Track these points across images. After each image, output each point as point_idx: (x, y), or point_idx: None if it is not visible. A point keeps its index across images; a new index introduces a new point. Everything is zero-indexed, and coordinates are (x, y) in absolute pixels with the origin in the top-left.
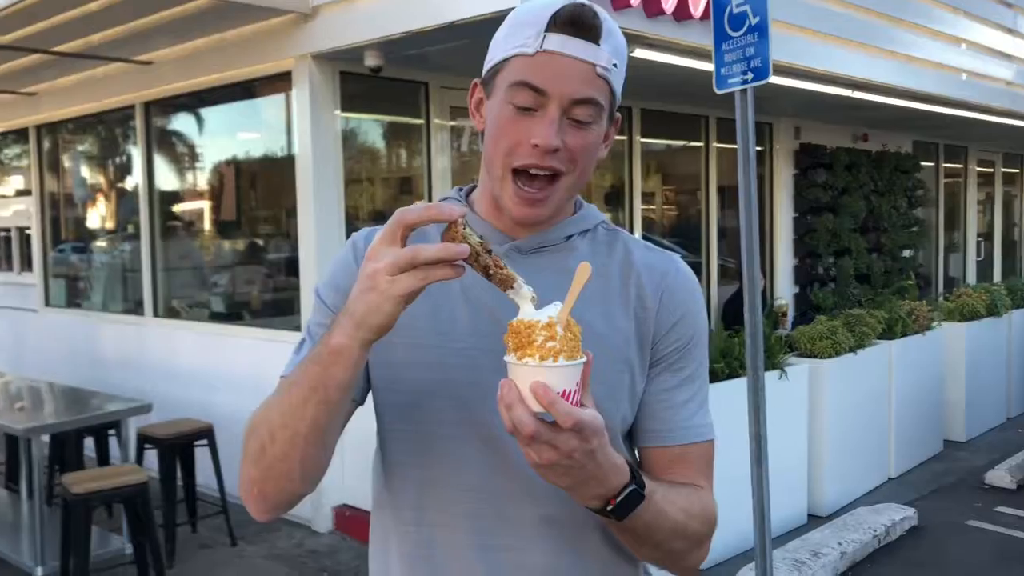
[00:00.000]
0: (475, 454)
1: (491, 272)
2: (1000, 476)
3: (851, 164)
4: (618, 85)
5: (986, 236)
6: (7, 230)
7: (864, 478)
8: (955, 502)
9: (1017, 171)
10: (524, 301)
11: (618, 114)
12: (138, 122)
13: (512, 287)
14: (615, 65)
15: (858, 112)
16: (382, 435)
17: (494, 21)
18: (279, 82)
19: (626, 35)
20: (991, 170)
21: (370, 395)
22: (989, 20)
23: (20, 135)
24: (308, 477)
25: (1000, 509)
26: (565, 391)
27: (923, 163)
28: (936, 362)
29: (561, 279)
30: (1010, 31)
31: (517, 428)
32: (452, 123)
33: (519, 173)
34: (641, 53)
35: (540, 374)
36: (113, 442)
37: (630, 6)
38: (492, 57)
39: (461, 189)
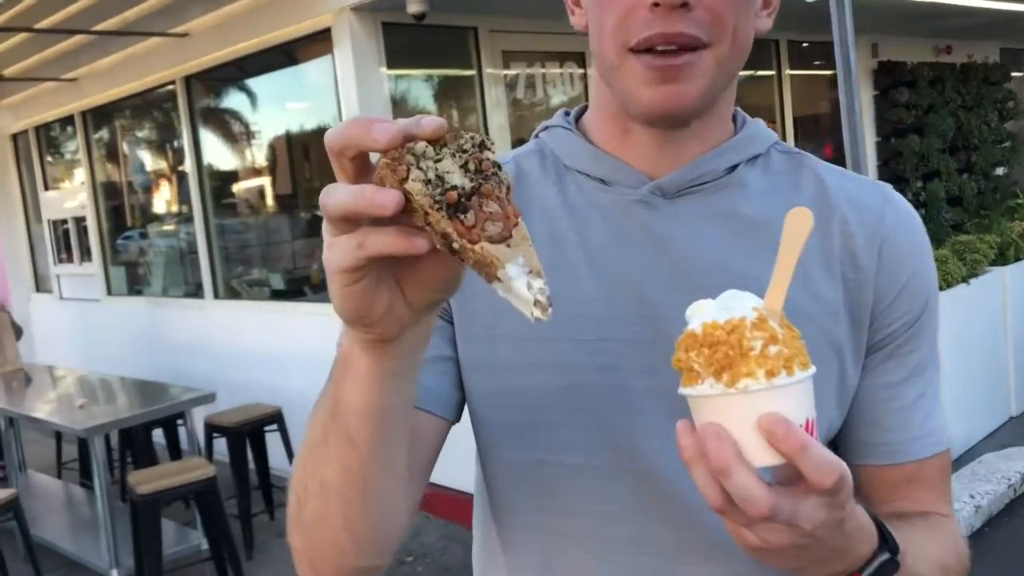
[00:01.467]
0: (624, 494)
1: (456, 247)
2: None
3: (935, 79)
4: None
5: None
6: (65, 221)
7: (985, 419)
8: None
9: None
10: (523, 305)
11: None
12: (180, 99)
13: (497, 278)
14: None
15: (940, 21)
16: (485, 464)
17: None
18: (320, 42)
19: None
20: None
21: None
22: None
23: (67, 123)
24: (364, 547)
25: None
26: (808, 421)
27: (1012, 73)
28: None
29: (731, 234)
30: None
31: (741, 505)
32: (506, 71)
33: (643, 54)
34: None
35: (771, 401)
36: (183, 431)
37: None
38: None
39: (568, 113)
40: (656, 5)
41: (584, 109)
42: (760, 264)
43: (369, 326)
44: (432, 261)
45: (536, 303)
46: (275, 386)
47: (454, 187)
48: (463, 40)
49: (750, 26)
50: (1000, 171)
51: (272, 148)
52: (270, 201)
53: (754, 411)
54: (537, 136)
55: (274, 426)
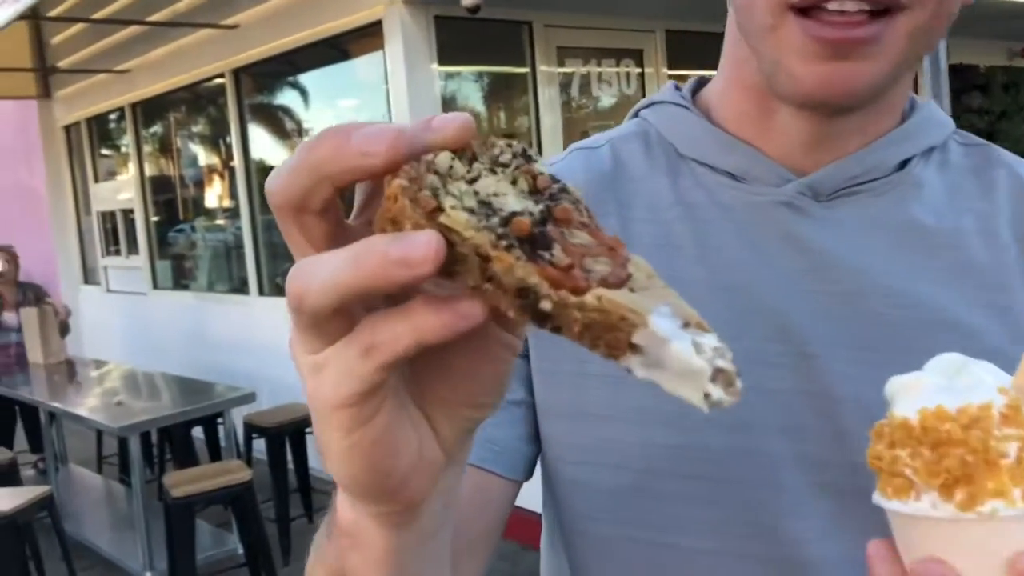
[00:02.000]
0: None
1: (547, 307)
2: None
3: (1009, 84)
4: None
5: None
6: (113, 214)
7: None
8: None
9: None
10: (686, 383)
11: None
12: (229, 92)
13: (631, 346)
14: None
15: (1015, 22)
16: (567, 540)
17: None
18: (371, 36)
19: None
20: None
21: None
22: None
23: (117, 116)
24: None
25: None
26: None
27: None
28: None
29: (906, 249)
30: None
31: None
32: (561, 69)
33: (810, 14)
34: None
35: None
36: (222, 429)
37: None
38: None
39: (678, 88)
40: None
41: (701, 82)
42: (949, 290)
43: (388, 493)
44: (470, 358)
45: (717, 375)
46: None
47: (516, 213)
48: (517, 35)
49: None
50: None
51: None
52: None
53: (1002, 547)
54: (637, 115)
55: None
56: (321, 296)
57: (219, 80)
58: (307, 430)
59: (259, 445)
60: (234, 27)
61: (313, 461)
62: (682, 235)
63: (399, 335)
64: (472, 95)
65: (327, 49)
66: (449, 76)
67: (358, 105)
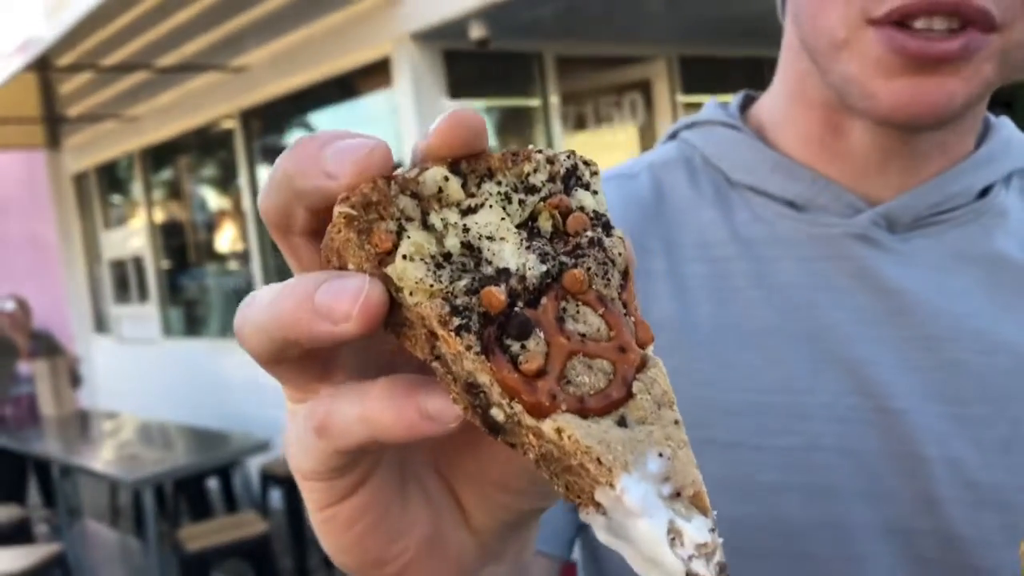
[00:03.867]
0: None
1: (499, 417)
2: None
3: (1008, 99)
4: None
5: None
6: (123, 262)
7: None
8: None
9: None
10: (650, 569)
11: None
12: (238, 135)
13: (594, 502)
14: None
15: None
16: None
17: None
18: (379, 73)
19: None
20: None
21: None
22: None
23: (127, 163)
24: None
25: None
26: None
27: None
28: None
29: (994, 287)
30: None
31: None
32: (570, 103)
33: (886, 29)
34: None
35: None
36: (238, 478)
37: None
38: None
39: (722, 106)
40: None
41: (749, 98)
42: None
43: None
44: None
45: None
46: None
47: (504, 272)
48: (527, 67)
49: None
50: None
51: None
52: None
53: None
54: (675, 136)
55: None
56: (251, 339)
57: (228, 123)
58: None
59: (275, 495)
60: (242, 69)
61: None
62: (740, 276)
63: (350, 425)
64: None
65: (335, 88)
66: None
67: None
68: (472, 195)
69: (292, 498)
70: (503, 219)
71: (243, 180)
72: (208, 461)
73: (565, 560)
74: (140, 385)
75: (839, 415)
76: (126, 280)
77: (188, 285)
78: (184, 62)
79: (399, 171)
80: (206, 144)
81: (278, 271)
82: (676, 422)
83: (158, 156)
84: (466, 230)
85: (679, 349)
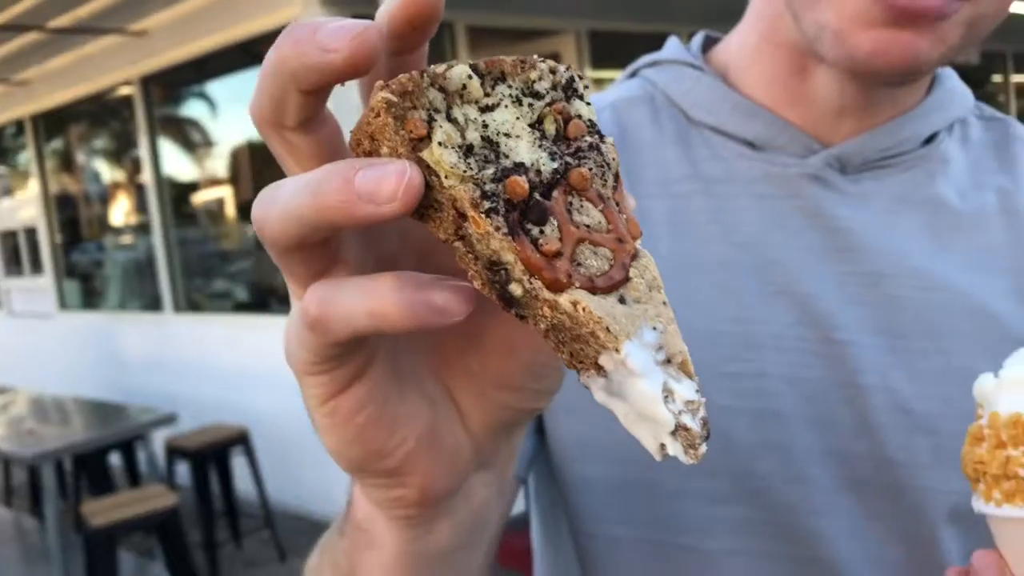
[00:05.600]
0: None
1: (517, 292)
2: None
3: None
4: None
5: None
6: (15, 233)
7: None
8: None
9: None
10: (643, 425)
11: None
12: (138, 103)
13: (597, 366)
14: None
15: None
16: (577, 542)
17: None
18: None
19: None
20: None
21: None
22: None
23: (17, 129)
24: None
25: None
26: None
27: (993, 76)
28: None
29: (935, 230)
30: None
31: None
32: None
33: None
34: None
35: None
36: (142, 454)
37: None
38: None
39: (687, 46)
40: None
41: (711, 40)
42: (977, 274)
43: (391, 474)
44: (509, 329)
45: (679, 430)
46: (241, 404)
47: (521, 167)
48: (438, 36)
49: None
50: None
51: (235, 155)
52: (233, 210)
53: None
54: (637, 74)
55: (240, 448)
56: (279, 227)
57: (126, 89)
58: (232, 450)
59: (182, 469)
60: (142, 33)
61: (239, 483)
62: (698, 211)
63: (351, 314)
64: None
65: (241, 53)
66: None
67: None
68: (488, 95)
69: (199, 472)
70: (517, 119)
71: (143, 149)
72: (109, 436)
73: (522, 481)
74: (35, 360)
75: (787, 345)
76: (18, 252)
77: (84, 258)
78: (79, 24)
79: (430, 68)
80: (103, 111)
81: (180, 242)
82: (664, 303)
83: (51, 123)
84: (485, 126)
85: (691, 299)
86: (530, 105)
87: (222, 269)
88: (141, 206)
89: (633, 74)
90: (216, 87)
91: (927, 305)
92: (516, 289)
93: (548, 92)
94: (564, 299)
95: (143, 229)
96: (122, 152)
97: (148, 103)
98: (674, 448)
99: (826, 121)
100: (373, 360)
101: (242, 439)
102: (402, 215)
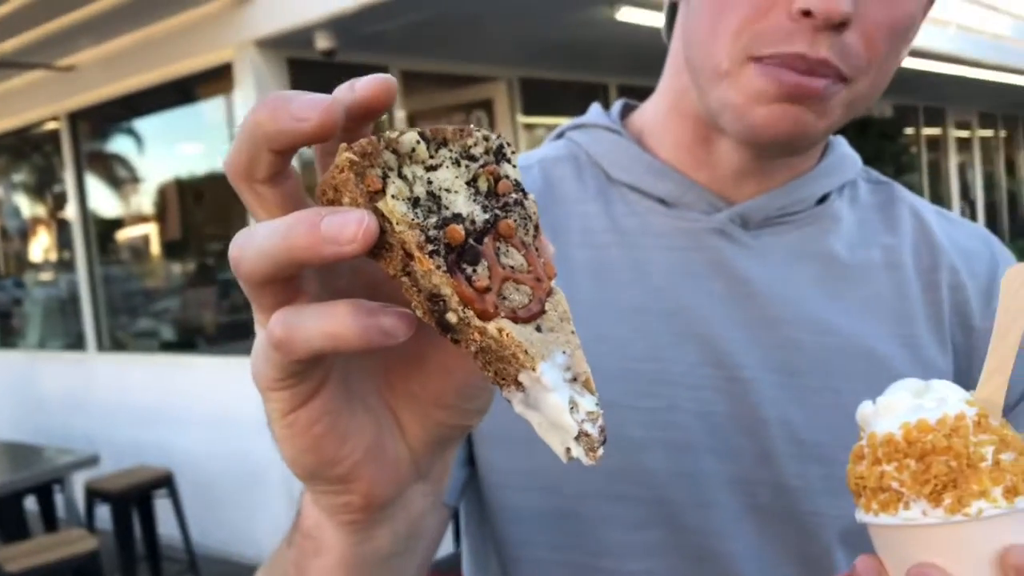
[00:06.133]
0: None
1: (452, 319)
2: None
3: (837, 132)
4: None
5: (968, 201)
6: None
7: None
8: None
9: (992, 133)
10: (553, 433)
11: None
12: (64, 138)
13: (517, 383)
14: None
15: None
16: (503, 567)
17: None
18: (219, 79)
19: None
20: (968, 133)
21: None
22: None
23: None
24: None
25: None
26: None
27: (905, 129)
28: None
29: (826, 281)
30: None
31: None
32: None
33: (768, 66)
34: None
35: (1011, 529)
36: (60, 498)
37: None
38: None
39: (607, 112)
40: (806, 14)
41: (629, 107)
42: (862, 321)
43: (340, 481)
44: (445, 354)
45: (581, 436)
46: (165, 446)
47: (459, 217)
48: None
49: (896, 64)
50: None
51: (163, 192)
52: (160, 248)
53: (990, 545)
54: (562, 136)
55: (164, 490)
56: (254, 264)
57: (52, 124)
58: (155, 493)
59: (103, 513)
60: (70, 68)
61: (162, 527)
62: (617, 260)
63: (311, 335)
64: None
65: (172, 92)
66: None
67: (204, 149)
68: (432, 157)
69: (121, 515)
70: (456, 177)
71: (69, 185)
72: (26, 479)
73: (453, 508)
74: None
75: (695, 382)
76: None
77: (1, 295)
78: (4, 58)
79: (384, 133)
80: (24, 146)
81: (104, 280)
82: (572, 332)
83: None
84: (430, 183)
85: (603, 337)
86: (467, 166)
87: (147, 308)
88: (64, 242)
89: (560, 135)
90: (145, 124)
91: (820, 347)
92: (452, 317)
93: (482, 156)
94: (491, 326)
95: (66, 266)
96: (45, 187)
97: (75, 138)
98: (577, 451)
99: (729, 183)
100: (328, 380)
101: (166, 481)
102: (360, 255)
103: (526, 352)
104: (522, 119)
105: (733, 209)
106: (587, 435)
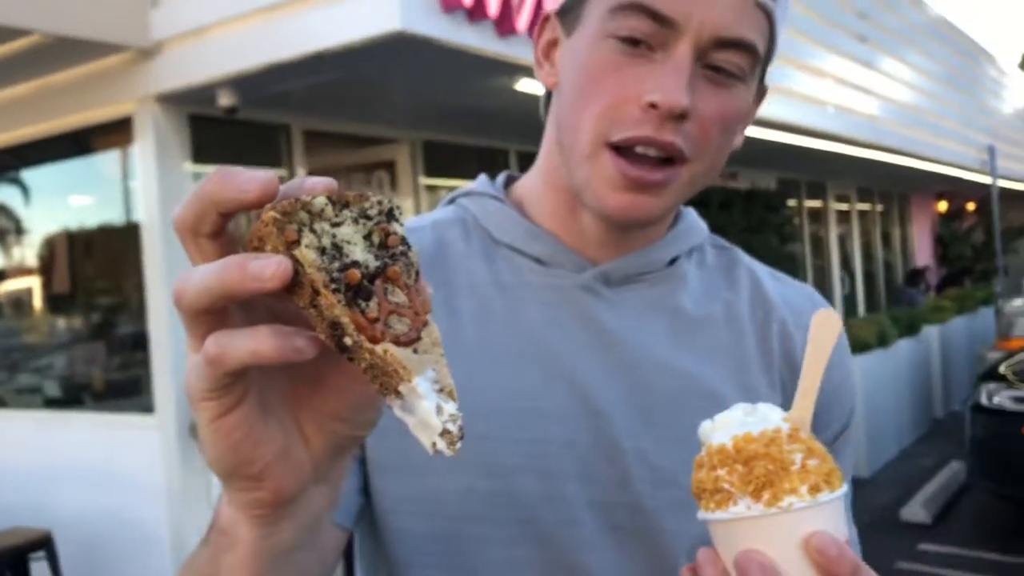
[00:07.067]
0: None
1: (348, 343)
2: (915, 512)
3: (724, 202)
4: (781, 28)
5: (848, 270)
6: None
7: None
8: (878, 543)
9: (870, 208)
10: (423, 432)
11: (767, 83)
12: None
13: (396, 392)
14: None
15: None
16: None
17: (370, 50)
18: (118, 132)
19: (511, 65)
20: (847, 207)
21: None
22: (848, 54)
23: None
24: None
25: (923, 547)
26: (847, 542)
27: (788, 201)
28: None
29: (675, 330)
30: (867, 65)
31: None
32: (315, 172)
33: (621, 152)
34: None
35: (814, 519)
36: None
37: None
38: None
39: (491, 180)
40: (653, 107)
41: (512, 178)
42: (707, 365)
43: (254, 479)
44: (341, 376)
45: (444, 433)
46: (46, 506)
47: (356, 263)
48: (275, 138)
49: (729, 147)
50: None
51: (50, 244)
52: (44, 302)
53: (798, 532)
54: (453, 202)
55: (41, 553)
56: (194, 296)
57: None
58: (31, 556)
59: None
60: None
61: None
62: (498, 310)
63: (239, 352)
64: None
65: (67, 143)
66: (204, 175)
67: (96, 202)
68: (337, 215)
69: None
70: (355, 232)
71: None
72: None
73: (349, 530)
74: None
75: (563, 417)
76: None
77: None
78: None
79: (300, 197)
80: None
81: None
82: (441, 354)
83: None
84: (334, 236)
85: (451, 362)
86: (364, 223)
87: (28, 363)
88: None
89: (451, 201)
90: (34, 175)
91: (669, 388)
92: (348, 340)
93: (376, 216)
94: (379, 348)
95: None
96: None
97: None
98: (441, 445)
99: (593, 247)
100: (247, 395)
101: (44, 543)
102: (277, 290)
103: (404, 368)
104: (424, 180)
105: (597, 269)
106: (449, 432)
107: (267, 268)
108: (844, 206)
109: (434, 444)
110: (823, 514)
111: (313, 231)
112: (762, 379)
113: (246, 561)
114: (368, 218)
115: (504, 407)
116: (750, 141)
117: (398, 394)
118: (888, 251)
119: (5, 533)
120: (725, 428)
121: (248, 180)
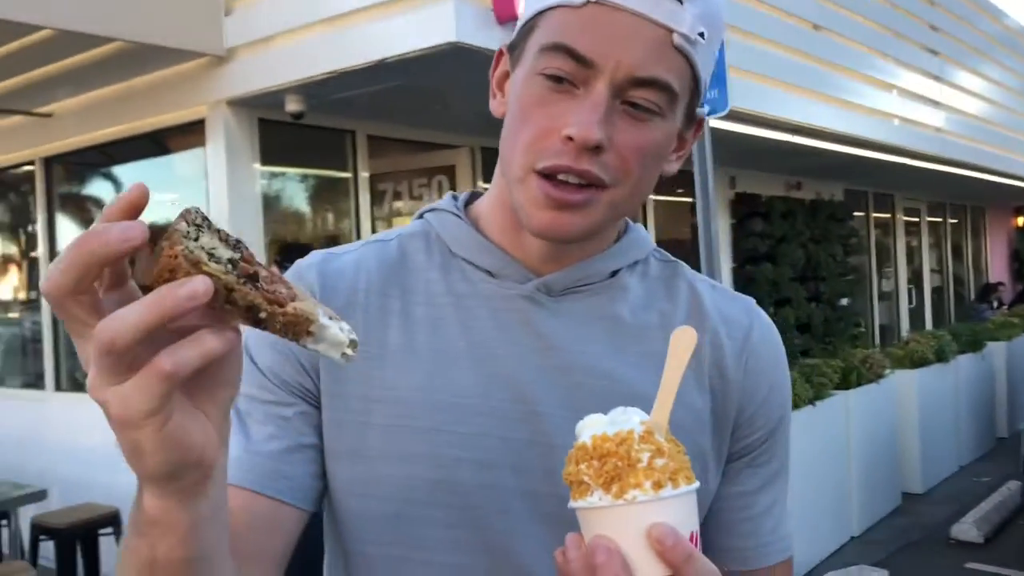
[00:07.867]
0: None
1: (263, 316)
2: (966, 530)
3: (787, 212)
4: (705, 68)
5: (916, 284)
6: None
7: (828, 538)
8: (924, 560)
9: (940, 220)
10: (334, 350)
11: (702, 111)
12: (38, 181)
13: (308, 333)
14: (702, 35)
15: (792, 159)
16: (345, 559)
17: (428, 59)
18: (192, 133)
19: None
20: (917, 219)
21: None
22: (917, 67)
23: None
24: None
25: (971, 565)
26: (692, 534)
27: (854, 212)
28: (891, 411)
29: (612, 338)
30: (937, 78)
31: None
32: (379, 182)
33: (546, 178)
34: None
35: (658, 512)
36: (6, 532)
37: None
38: (526, 10)
39: (455, 198)
40: (570, 139)
41: (474, 195)
42: (637, 370)
43: (195, 465)
44: (218, 364)
45: (351, 343)
46: (116, 486)
47: (231, 260)
48: (340, 142)
49: (654, 174)
50: (844, 302)
51: None
52: None
53: (642, 522)
54: (422, 216)
55: (110, 529)
56: (132, 334)
57: (27, 167)
58: (100, 531)
59: (48, 548)
60: (48, 115)
61: (106, 567)
62: (450, 317)
63: (193, 359)
64: (295, 195)
65: (146, 143)
66: (272, 176)
67: (177, 199)
68: (194, 232)
69: (65, 551)
70: (211, 238)
71: (40, 226)
72: None
73: (311, 512)
74: None
75: (501, 414)
76: None
77: None
78: None
79: (175, 232)
80: (1, 187)
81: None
82: (308, 295)
83: None
84: (208, 247)
85: (404, 364)
86: (208, 230)
87: None
88: (32, 282)
89: (420, 216)
90: (121, 170)
91: (602, 390)
92: (263, 315)
93: (202, 222)
94: (289, 308)
95: (31, 305)
96: (16, 227)
97: (48, 181)
98: (349, 351)
99: (536, 260)
100: (176, 399)
101: (113, 520)
102: (208, 294)
103: (310, 314)
104: (483, 185)
105: (540, 280)
106: (353, 340)
107: (198, 288)
108: (913, 218)
109: (344, 354)
110: (666, 508)
111: (202, 249)
112: (691, 384)
113: (186, 538)
114: (200, 226)
115: (451, 404)
116: (813, 152)
117: (309, 334)
118: (959, 265)
119: (78, 508)
120: (591, 427)
121: (127, 230)
